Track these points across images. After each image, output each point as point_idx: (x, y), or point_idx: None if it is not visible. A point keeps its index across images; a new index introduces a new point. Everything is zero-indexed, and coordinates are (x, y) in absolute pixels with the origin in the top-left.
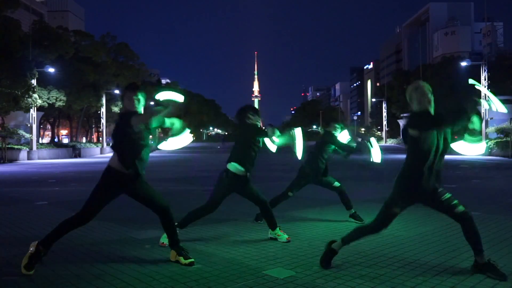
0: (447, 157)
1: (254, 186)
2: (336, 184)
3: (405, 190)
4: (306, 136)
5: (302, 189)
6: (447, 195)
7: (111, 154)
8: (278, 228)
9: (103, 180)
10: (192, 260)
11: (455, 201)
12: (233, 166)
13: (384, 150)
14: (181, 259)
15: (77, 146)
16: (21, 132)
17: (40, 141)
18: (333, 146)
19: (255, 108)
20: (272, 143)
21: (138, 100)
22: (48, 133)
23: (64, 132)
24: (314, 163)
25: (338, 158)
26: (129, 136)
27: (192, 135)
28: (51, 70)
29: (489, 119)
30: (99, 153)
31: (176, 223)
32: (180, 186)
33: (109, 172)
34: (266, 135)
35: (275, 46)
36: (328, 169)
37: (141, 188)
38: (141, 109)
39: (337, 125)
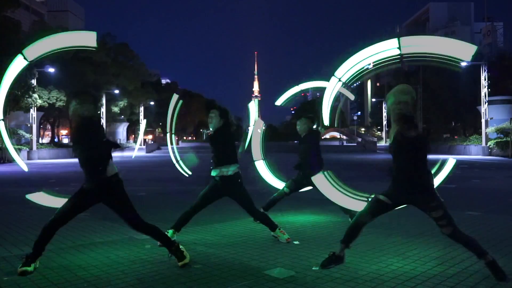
0: (447, 157)
1: (246, 192)
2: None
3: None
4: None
5: (302, 188)
6: (439, 214)
7: (112, 154)
8: (278, 229)
9: None
10: (184, 262)
11: (442, 222)
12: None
13: (384, 150)
14: (177, 261)
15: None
16: (21, 132)
17: (40, 141)
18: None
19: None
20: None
21: None
22: (48, 133)
23: (64, 132)
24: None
25: (340, 158)
26: None
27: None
28: (51, 70)
29: (489, 119)
30: None
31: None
32: (180, 186)
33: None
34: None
35: (275, 46)
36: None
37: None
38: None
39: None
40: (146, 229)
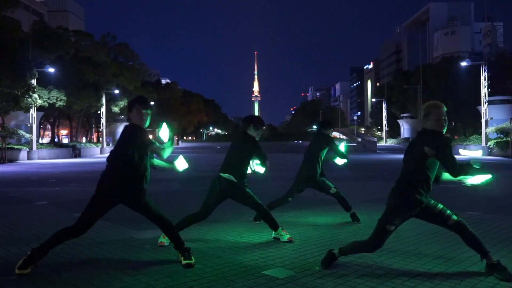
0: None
1: (250, 192)
2: (333, 190)
3: (402, 206)
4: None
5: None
6: (439, 207)
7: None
8: (280, 229)
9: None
10: (190, 262)
11: (448, 212)
12: (227, 175)
13: (384, 150)
14: (182, 259)
15: (77, 146)
16: (21, 132)
17: (40, 141)
18: (325, 150)
19: (261, 121)
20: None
21: (148, 115)
22: (48, 133)
23: (64, 132)
24: (312, 166)
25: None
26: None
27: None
28: (51, 70)
29: (489, 119)
30: (99, 153)
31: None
32: (180, 186)
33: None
34: (262, 160)
35: (275, 46)
36: (324, 172)
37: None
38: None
39: (330, 130)
40: (165, 224)
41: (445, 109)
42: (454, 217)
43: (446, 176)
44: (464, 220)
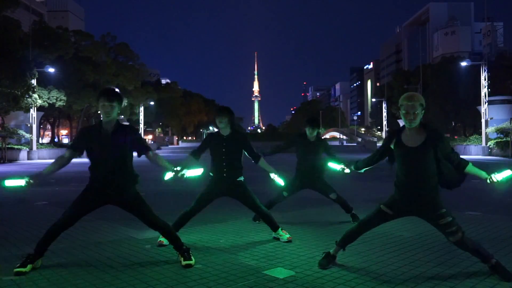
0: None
1: (249, 192)
2: (333, 196)
3: (392, 195)
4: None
5: (301, 190)
6: (444, 221)
7: None
8: (280, 229)
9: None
10: (190, 262)
11: (448, 231)
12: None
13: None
14: (182, 260)
15: None
16: (21, 132)
17: (40, 141)
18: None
19: (215, 111)
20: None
21: (112, 107)
22: (48, 133)
23: (64, 132)
24: (309, 166)
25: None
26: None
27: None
28: (51, 70)
29: (489, 119)
30: None
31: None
32: (180, 186)
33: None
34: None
35: (275, 46)
36: (324, 171)
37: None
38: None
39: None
40: (162, 228)
41: (418, 101)
42: (455, 237)
43: (472, 168)
44: (465, 233)
